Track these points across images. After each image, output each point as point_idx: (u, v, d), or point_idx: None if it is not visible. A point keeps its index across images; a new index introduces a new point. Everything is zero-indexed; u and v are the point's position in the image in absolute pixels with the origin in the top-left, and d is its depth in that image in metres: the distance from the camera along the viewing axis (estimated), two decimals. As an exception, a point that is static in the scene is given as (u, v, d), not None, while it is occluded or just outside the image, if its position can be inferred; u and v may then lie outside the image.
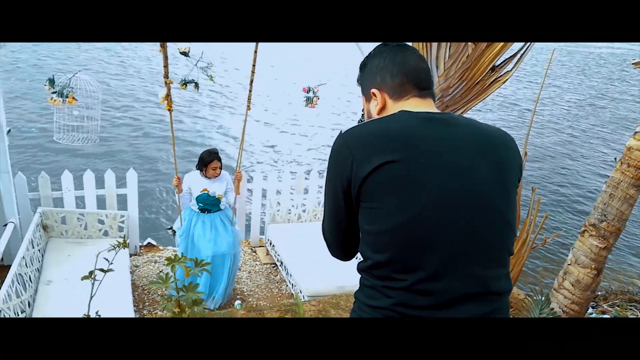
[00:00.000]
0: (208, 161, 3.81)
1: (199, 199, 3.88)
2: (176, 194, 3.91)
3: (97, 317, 1.65)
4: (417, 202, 1.10)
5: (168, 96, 3.37)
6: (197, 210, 3.96)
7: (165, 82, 3.30)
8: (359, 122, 1.46)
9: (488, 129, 1.24)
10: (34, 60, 14.03)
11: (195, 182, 3.86)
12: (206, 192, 3.85)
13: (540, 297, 3.97)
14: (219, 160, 3.86)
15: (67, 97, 3.18)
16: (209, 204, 3.93)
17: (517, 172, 1.23)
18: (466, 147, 1.16)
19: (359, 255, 1.27)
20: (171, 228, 4.21)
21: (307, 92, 4.01)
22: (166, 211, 7.02)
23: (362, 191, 1.14)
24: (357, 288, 1.27)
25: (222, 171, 3.95)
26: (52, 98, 3.13)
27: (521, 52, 3.24)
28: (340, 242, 1.32)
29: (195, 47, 3.29)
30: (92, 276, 1.75)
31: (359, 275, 1.26)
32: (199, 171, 3.88)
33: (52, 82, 3.12)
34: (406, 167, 1.11)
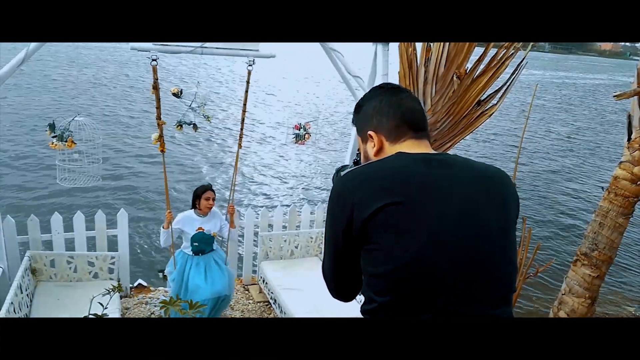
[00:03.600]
0: (201, 192, 3.82)
1: (194, 238, 3.82)
2: (162, 228, 3.85)
3: (96, 317, 1.61)
4: (420, 244, 1.10)
5: (161, 137, 3.38)
6: (191, 252, 3.88)
7: (158, 124, 3.31)
8: (353, 161, 1.48)
9: (485, 169, 1.25)
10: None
11: (189, 222, 3.83)
12: (201, 230, 3.82)
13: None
14: (212, 191, 3.87)
15: (67, 140, 3.22)
16: (203, 243, 3.88)
17: (515, 210, 1.25)
18: (465, 188, 1.18)
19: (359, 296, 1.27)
20: (162, 271, 4.14)
21: (299, 130, 4.04)
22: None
23: (363, 234, 1.15)
24: None
25: (214, 209, 3.95)
26: (52, 142, 3.17)
27: (505, 86, 3.33)
28: (341, 284, 1.31)
29: (187, 89, 3.35)
30: (86, 322, 1.71)
31: (355, 310, 1.26)
32: (192, 210, 3.88)
33: (52, 127, 3.17)
34: (407, 209, 1.11)
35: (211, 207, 3.87)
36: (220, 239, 4.12)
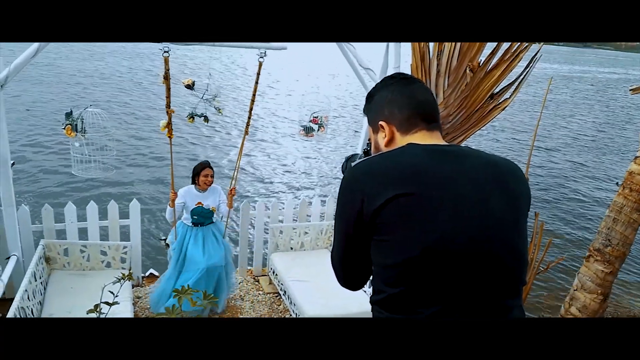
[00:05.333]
0: (199, 169, 4.04)
1: (193, 212, 4.08)
2: (168, 206, 4.11)
3: (98, 317, 1.63)
4: (431, 235, 1.09)
5: (169, 124, 3.62)
6: (190, 224, 4.14)
7: (167, 112, 3.52)
8: (363, 151, 1.47)
9: (496, 160, 1.24)
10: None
11: (190, 196, 4.08)
12: (200, 205, 4.07)
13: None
14: (211, 168, 4.08)
15: (65, 129, 3.34)
16: (202, 217, 4.13)
17: (527, 202, 1.24)
18: (477, 179, 1.17)
19: (366, 287, 1.27)
20: (165, 239, 4.40)
21: (317, 123, 4.10)
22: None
23: (374, 224, 1.14)
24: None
25: (214, 185, 4.17)
26: (66, 130, 3.30)
27: (519, 79, 3.29)
28: (349, 272, 1.31)
29: (200, 80, 3.44)
30: (98, 309, 1.73)
31: (363, 302, 1.26)
32: (193, 186, 4.11)
33: (68, 115, 3.29)
34: (418, 200, 1.11)
35: (210, 184, 4.08)
36: (219, 217, 4.35)
